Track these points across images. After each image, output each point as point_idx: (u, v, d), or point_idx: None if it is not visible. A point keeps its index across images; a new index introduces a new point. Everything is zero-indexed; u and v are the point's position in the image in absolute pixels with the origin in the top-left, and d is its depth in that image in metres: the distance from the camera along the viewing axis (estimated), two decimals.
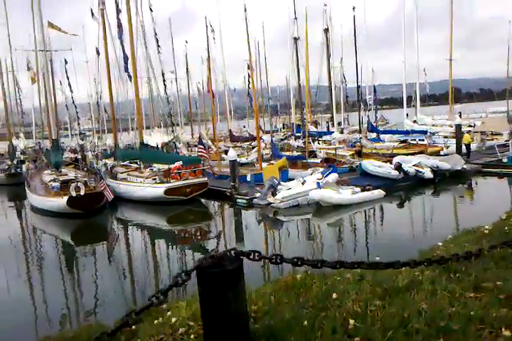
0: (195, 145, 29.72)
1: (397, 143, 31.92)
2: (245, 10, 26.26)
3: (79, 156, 33.93)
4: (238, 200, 20.87)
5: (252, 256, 2.66)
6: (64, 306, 10.67)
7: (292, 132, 39.40)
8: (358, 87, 37.74)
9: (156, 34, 28.31)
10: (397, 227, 16.14)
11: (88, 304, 10.75)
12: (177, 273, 2.60)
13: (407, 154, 26.34)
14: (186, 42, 50.31)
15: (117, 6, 24.79)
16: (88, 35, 55.31)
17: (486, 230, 5.14)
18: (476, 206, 19.01)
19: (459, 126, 29.47)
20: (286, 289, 3.86)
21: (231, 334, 2.45)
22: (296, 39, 33.81)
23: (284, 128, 52.45)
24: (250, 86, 37.78)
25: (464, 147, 28.13)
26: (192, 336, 3.00)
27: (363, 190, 19.71)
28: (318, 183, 19.42)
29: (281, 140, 36.75)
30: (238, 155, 29.28)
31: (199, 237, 17.46)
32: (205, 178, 22.72)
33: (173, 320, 3.36)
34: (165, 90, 30.41)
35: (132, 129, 40.25)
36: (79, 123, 47.03)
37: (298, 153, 29.60)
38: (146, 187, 21.91)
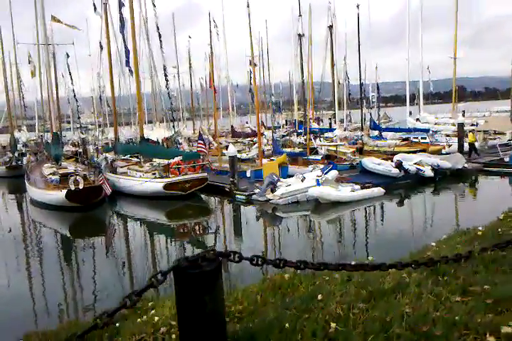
0: (196, 141, 29.65)
1: (399, 141, 31.87)
2: (248, 5, 26.31)
3: (80, 150, 33.95)
4: (237, 196, 20.84)
5: (231, 257, 2.59)
6: (59, 300, 10.63)
7: (294, 128, 39.35)
8: (361, 84, 37.55)
9: (158, 29, 28.19)
10: (394, 225, 16.08)
11: (84, 298, 10.73)
12: (153, 274, 2.54)
13: (408, 152, 26.25)
14: (190, 37, 50.41)
15: (120, 0, 24.68)
16: (91, 29, 55.28)
17: (479, 231, 5.06)
18: (475, 205, 18.92)
19: (461, 125, 29.32)
20: (273, 289, 3.81)
21: (207, 336, 2.39)
22: (300, 36, 33.66)
23: (286, 124, 52.39)
24: (252, 82, 37.66)
25: (466, 146, 27.98)
26: (173, 336, 2.96)
27: (362, 188, 19.69)
28: (317, 180, 19.37)
29: (283, 136, 36.67)
30: (239, 151, 29.23)
31: (197, 232, 17.41)
32: (205, 173, 22.70)
33: (156, 319, 3.32)
34: (167, 85, 30.32)
35: (134, 124, 40.19)
36: (79, 117, 46.99)
37: (299, 150, 29.54)
38: (145, 181, 21.90)
